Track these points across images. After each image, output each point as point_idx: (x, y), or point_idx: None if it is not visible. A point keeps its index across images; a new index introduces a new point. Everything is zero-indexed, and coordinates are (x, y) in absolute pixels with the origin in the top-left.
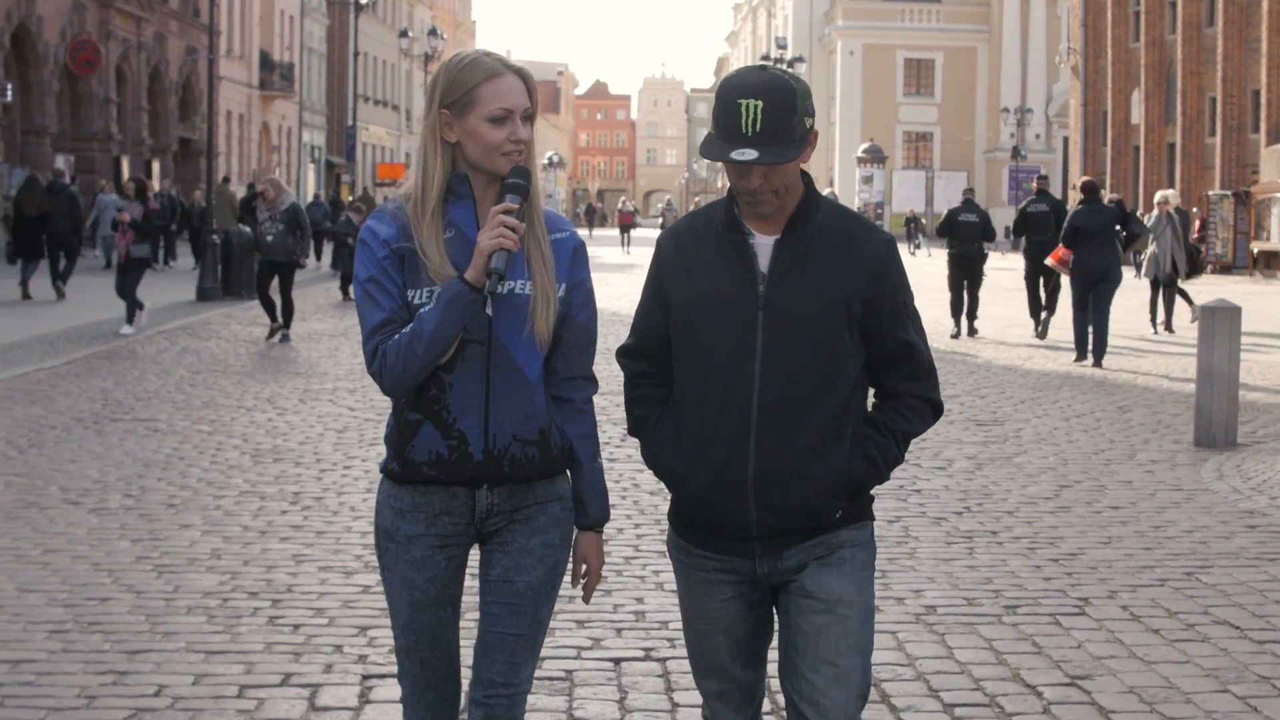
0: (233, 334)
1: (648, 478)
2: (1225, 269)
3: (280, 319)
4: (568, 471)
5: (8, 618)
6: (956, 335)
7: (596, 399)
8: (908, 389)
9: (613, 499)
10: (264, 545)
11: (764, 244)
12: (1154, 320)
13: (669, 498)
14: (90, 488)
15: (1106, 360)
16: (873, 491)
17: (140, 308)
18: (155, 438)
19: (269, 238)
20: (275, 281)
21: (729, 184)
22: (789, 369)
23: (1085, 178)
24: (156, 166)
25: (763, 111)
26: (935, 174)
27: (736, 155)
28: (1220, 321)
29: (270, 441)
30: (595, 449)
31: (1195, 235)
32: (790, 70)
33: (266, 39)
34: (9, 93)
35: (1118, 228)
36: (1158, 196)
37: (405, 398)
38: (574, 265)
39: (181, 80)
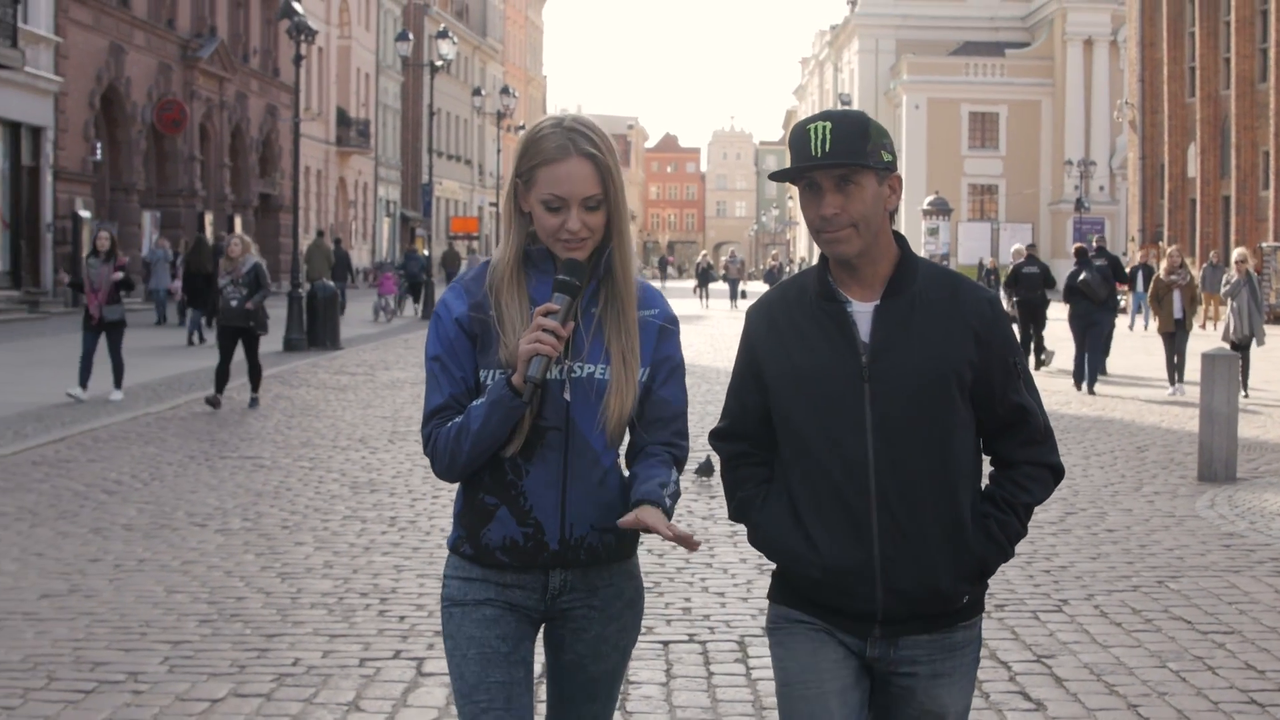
0: (321, 381)
1: (698, 505)
2: (1278, 319)
3: (255, 383)
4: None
5: (162, 611)
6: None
7: None
8: (1025, 455)
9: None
10: (369, 558)
11: (863, 311)
12: (1171, 379)
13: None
14: (212, 513)
15: (1135, 405)
16: None
17: (121, 371)
18: (262, 472)
19: (232, 302)
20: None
21: (814, 241)
22: (903, 442)
23: (1076, 244)
24: (238, 221)
25: (831, 131)
26: (1000, 225)
27: (800, 164)
28: (1220, 368)
29: (365, 475)
30: (665, 481)
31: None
32: None
33: (343, 96)
34: (99, 151)
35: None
36: (1235, 255)
37: (481, 479)
38: (660, 343)
39: (262, 138)
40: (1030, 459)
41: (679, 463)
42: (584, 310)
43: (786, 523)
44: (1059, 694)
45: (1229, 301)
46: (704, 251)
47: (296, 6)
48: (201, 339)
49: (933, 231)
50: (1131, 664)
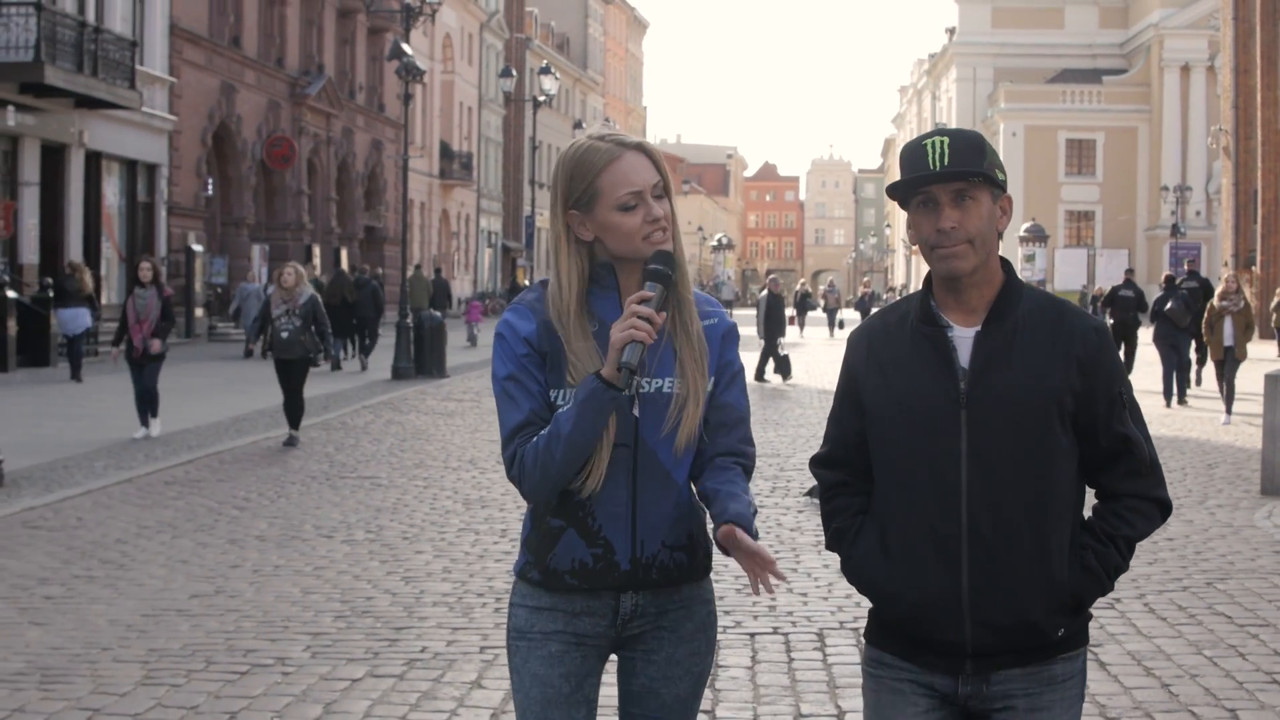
0: (429, 408)
1: (787, 518)
2: None
3: (289, 422)
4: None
5: (300, 608)
6: None
7: None
8: (1129, 488)
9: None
10: (483, 565)
11: (964, 337)
12: (1228, 407)
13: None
14: (337, 526)
15: (1212, 426)
16: None
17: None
18: (380, 490)
19: (284, 334)
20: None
21: (925, 260)
22: (999, 472)
23: (1166, 273)
24: (345, 254)
25: (949, 146)
26: (1097, 251)
27: (922, 172)
28: (1279, 386)
29: (476, 493)
30: (743, 490)
31: None
32: None
33: (446, 130)
34: (210, 187)
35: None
36: None
37: (547, 503)
38: (724, 349)
39: (367, 171)
40: (1134, 491)
41: (748, 473)
42: None
43: (876, 555)
44: (1100, 675)
45: None
46: (802, 280)
47: (405, 48)
48: (339, 366)
49: (1029, 258)
50: (1170, 651)
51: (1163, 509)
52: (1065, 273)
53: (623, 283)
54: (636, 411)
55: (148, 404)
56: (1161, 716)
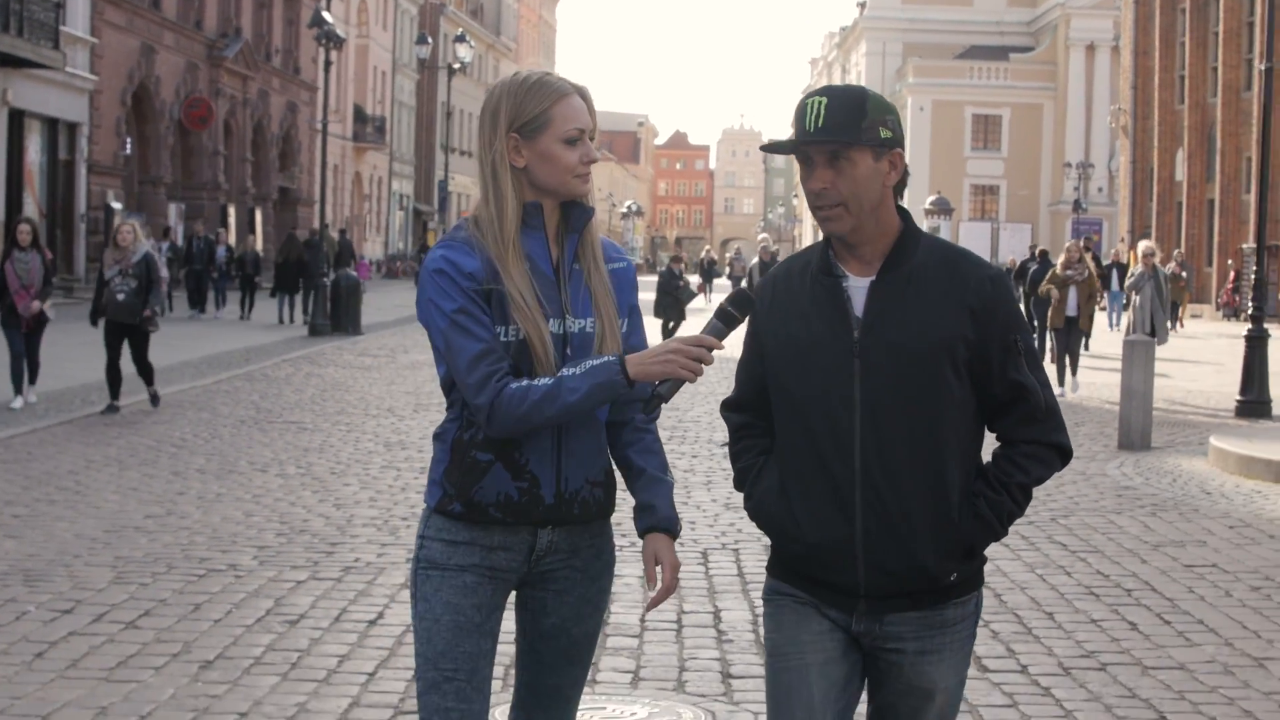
0: (346, 362)
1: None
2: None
3: (148, 380)
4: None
5: (244, 527)
6: None
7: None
8: (1025, 434)
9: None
10: (405, 495)
11: (859, 286)
12: (1061, 378)
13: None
14: (270, 462)
15: (1088, 389)
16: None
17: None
18: (306, 433)
19: (119, 296)
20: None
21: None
22: (891, 419)
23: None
24: (259, 214)
25: (826, 107)
26: (1001, 225)
27: (794, 138)
28: (1138, 351)
29: (396, 437)
30: (664, 464)
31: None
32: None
33: (360, 94)
34: (129, 146)
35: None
36: (1142, 248)
37: (474, 436)
38: (630, 292)
39: (282, 133)
40: (1030, 437)
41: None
42: (569, 264)
43: (775, 496)
44: None
45: (1133, 296)
46: (708, 248)
47: (327, 16)
48: (291, 319)
49: (934, 230)
50: (1006, 570)
51: (1061, 453)
52: (970, 245)
53: (546, 223)
54: (570, 350)
55: (29, 371)
56: (990, 617)
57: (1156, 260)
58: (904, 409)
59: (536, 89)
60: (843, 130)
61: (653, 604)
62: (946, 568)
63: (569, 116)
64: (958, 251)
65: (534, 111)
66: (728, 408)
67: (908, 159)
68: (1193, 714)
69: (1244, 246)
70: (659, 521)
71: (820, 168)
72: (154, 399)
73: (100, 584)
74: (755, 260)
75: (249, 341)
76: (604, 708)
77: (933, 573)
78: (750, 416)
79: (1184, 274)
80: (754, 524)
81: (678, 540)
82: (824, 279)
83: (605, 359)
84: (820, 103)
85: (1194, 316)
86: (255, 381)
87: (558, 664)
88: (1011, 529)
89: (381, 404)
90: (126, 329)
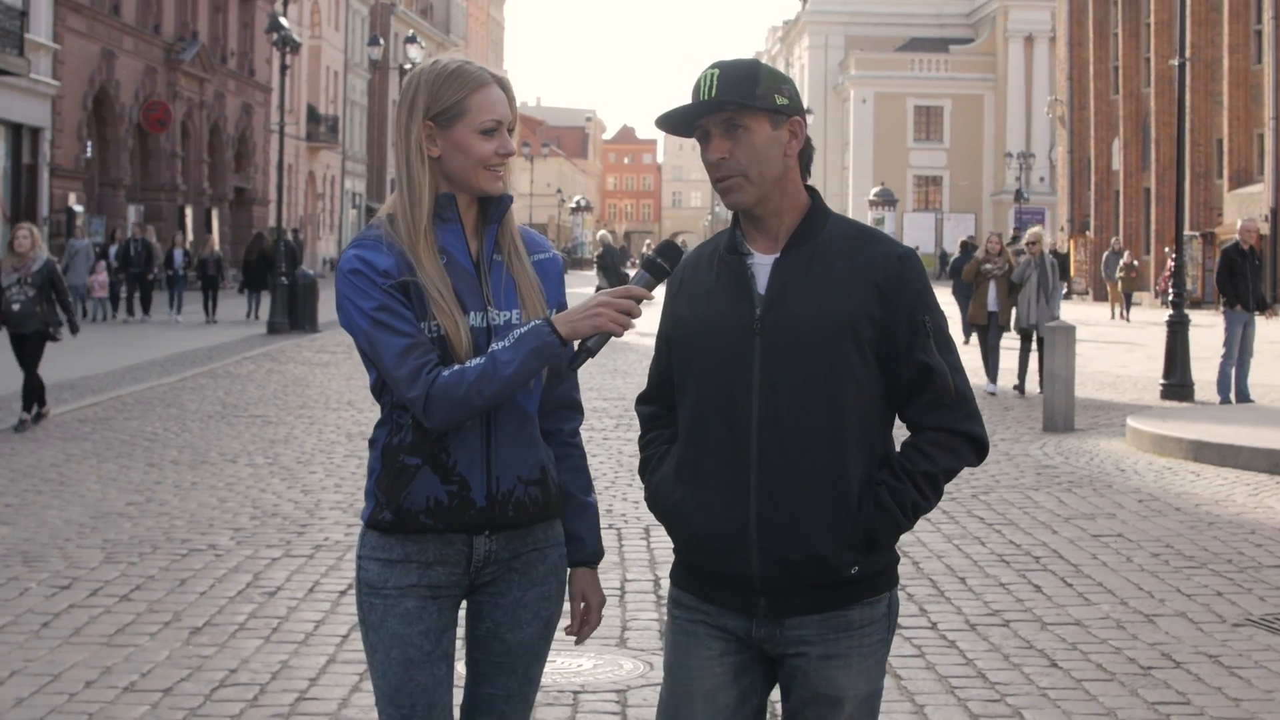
0: (305, 359)
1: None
2: (1195, 304)
3: (24, 403)
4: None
5: (220, 512)
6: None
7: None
8: (932, 420)
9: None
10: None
11: (763, 264)
12: (991, 375)
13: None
14: (239, 454)
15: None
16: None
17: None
18: (271, 426)
19: (15, 306)
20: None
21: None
22: (789, 399)
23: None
24: (215, 215)
25: (718, 78)
26: (944, 215)
27: (688, 109)
28: (1060, 336)
29: (358, 429)
30: (588, 484)
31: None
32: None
33: (313, 94)
34: (90, 149)
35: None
36: (1028, 235)
37: (402, 439)
38: (558, 284)
39: (238, 135)
40: (937, 424)
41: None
42: (489, 256)
43: (671, 481)
44: None
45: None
46: (649, 241)
47: (283, 21)
48: (258, 315)
49: (879, 221)
50: (925, 540)
51: (973, 443)
52: (914, 236)
53: (463, 215)
54: (495, 345)
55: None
56: (905, 582)
57: (1044, 246)
58: (804, 389)
59: (454, 77)
60: (735, 95)
61: (580, 640)
62: (845, 558)
63: (485, 107)
64: (866, 230)
65: (450, 100)
66: (640, 401)
67: (852, 151)
68: (1082, 661)
69: (1188, 234)
70: (586, 556)
71: (717, 138)
72: (37, 418)
73: (93, 563)
74: (601, 249)
75: (211, 340)
76: (554, 659)
77: (831, 563)
78: (659, 407)
79: (1135, 263)
80: (654, 516)
81: (622, 517)
82: (729, 257)
83: (533, 324)
84: (713, 74)
85: (1134, 304)
86: (219, 378)
87: (490, 672)
88: (941, 510)
89: (341, 398)
90: (25, 339)
